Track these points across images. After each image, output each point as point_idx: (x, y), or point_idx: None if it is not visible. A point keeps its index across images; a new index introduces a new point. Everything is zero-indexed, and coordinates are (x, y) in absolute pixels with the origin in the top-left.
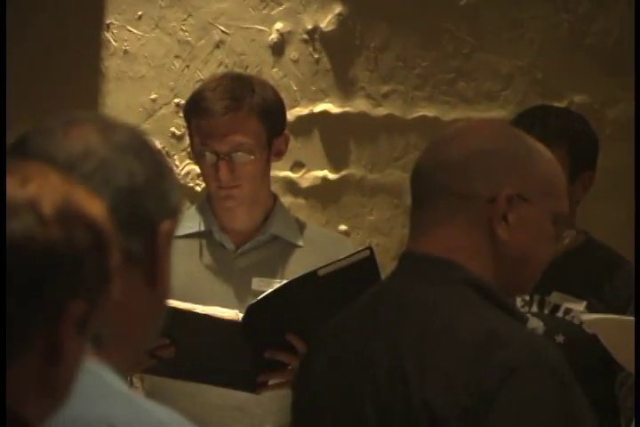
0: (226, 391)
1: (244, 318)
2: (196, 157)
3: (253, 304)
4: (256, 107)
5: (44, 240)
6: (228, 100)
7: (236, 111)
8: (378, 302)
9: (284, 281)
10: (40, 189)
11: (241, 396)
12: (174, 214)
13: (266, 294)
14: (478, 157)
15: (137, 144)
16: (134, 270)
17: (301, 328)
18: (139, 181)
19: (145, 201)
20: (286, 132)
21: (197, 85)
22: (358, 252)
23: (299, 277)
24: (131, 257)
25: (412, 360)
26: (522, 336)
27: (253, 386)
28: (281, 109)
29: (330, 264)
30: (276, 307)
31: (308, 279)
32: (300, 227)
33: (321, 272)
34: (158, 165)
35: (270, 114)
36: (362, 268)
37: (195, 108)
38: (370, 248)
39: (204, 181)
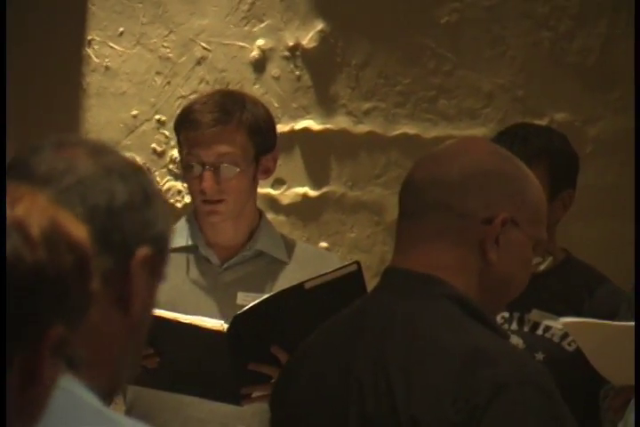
0: (208, 406)
1: (229, 329)
2: (184, 171)
3: (239, 315)
4: (245, 122)
5: (31, 261)
6: (218, 112)
7: (224, 124)
8: (362, 317)
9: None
10: (27, 210)
11: (223, 410)
12: (157, 243)
13: (252, 304)
14: (478, 177)
15: (125, 169)
16: (106, 292)
17: (287, 341)
18: (118, 202)
19: (122, 223)
20: (275, 151)
21: (179, 102)
22: (345, 266)
23: (285, 290)
24: (101, 276)
25: (398, 376)
26: (509, 353)
27: (237, 398)
28: (271, 128)
29: (316, 277)
30: (262, 318)
31: (295, 292)
32: (286, 243)
33: (307, 285)
34: (145, 192)
35: (260, 131)
36: (348, 282)
37: (184, 120)
38: (357, 263)
39: (190, 194)
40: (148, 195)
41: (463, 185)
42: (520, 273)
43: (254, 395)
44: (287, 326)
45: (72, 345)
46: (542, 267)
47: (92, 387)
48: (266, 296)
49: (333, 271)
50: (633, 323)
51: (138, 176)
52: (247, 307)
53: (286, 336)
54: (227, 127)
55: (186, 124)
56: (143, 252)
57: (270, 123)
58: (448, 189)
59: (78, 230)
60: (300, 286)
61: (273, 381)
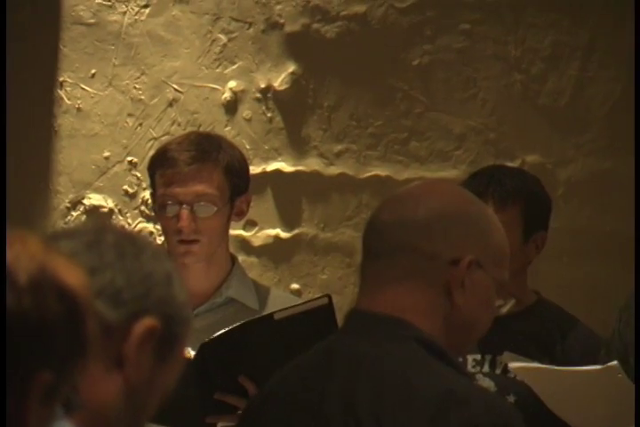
0: None
1: (195, 356)
2: (158, 210)
3: (206, 342)
4: (222, 162)
5: (15, 308)
6: (195, 151)
7: (202, 162)
8: (330, 359)
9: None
10: (17, 256)
11: None
12: (161, 314)
13: (220, 332)
14: (443, 219)
15: (127, 247)
16: (106, 346)
17: (255, 372)
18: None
19: (132, 282)
20: (248, 193)
21: (151, 143)
22: (316, 298)
23: (254, 319)
24: (104, 329)
25: (369, 419)
26: (480, 395)
27: None
28: (246, 170)
29: (287, 309)
30: (230, 347)
31: (264, 322)
32: (258, 289)
33: (277, 316)
34: (140, 270)
35: (235, 172)
36: (319, 315)
37: (160, 159)
38: (328, 296)
39: (164, 235)
40: (144, 273)
41: (429, 227)
42: (484, 315)
43: (219, 425)
44: (255, 356)
45: (68, 392)
46: (504, 310)
47: None
48: (235, 325)
49: (304, 303)
50: (583, 368)
51: (138, 255)
52: (215, 335)
53: (254, 367)
54: (204, 166)
55: (162, 162)
56: (147, 322)
57: (245, 165)
58: (414, 230)
59: (72, 276)
60: (270, 316)
61: (239, 413)
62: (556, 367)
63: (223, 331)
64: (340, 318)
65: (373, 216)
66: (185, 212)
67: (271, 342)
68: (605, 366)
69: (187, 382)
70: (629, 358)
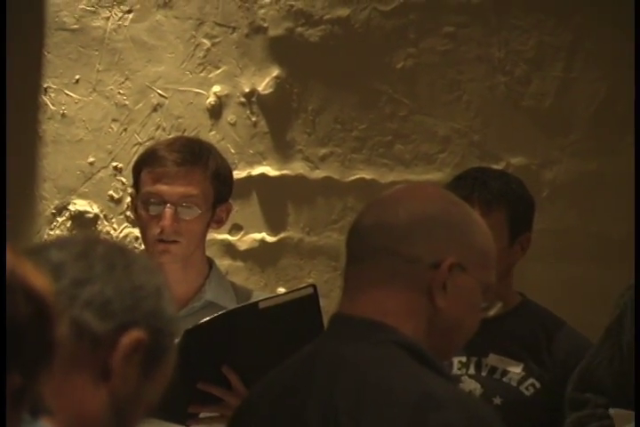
0: None
1: (179, 344)
2: (141, 207)
3: (190, 329)
4: (211, 167)
5: None
6: (185, 153)
7: (192, 164)
8: (312, 362)
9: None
10: None
11: None
12: (151, 327)
13: (204, 320)
14: (424, 222)
15: (117, 258)
16: (93, 358)
17: (238, 362)
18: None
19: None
20: (230, 202)
21: (135, 148)
22: (301, 288)
23: (239, 307)
24: (90, 341)
25: (348, 423)
26: (458, 398)
27: (183, 418)
28: (230, 179)
29: (272, 297)
30: (214, 335)
31: (249, 310)
32: (239, 292)
33: (262, 305)
34: (131, 282)
35: (221, 179)
36: (303, 305)
37: (150, 158)
38: (313, 286)
39: (142, 233)
40: (135, 285)
41: (409, 230)
42: (469, 318)
43: (202, 415)
44: (239, 346)
45: (36, 396)
46: (492, 312)
47: None
48: (219, 313)
49: (289, 293)
50: None
51: (128, 266)
52: (199, 322)
53: (238, 356)
54: (194, 168)
55: (152, 160)
56: (135, 334)
57: (230, 174)
58: (394, 234)
59: (39, 280)
60: (255, 304)
61: (222, 403)
62: None
63: (207, 318)
64: (325, 321)
65: (356, 221)
66: (169, 211)
67: (255, 331)
68: None
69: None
70: (623, 344)
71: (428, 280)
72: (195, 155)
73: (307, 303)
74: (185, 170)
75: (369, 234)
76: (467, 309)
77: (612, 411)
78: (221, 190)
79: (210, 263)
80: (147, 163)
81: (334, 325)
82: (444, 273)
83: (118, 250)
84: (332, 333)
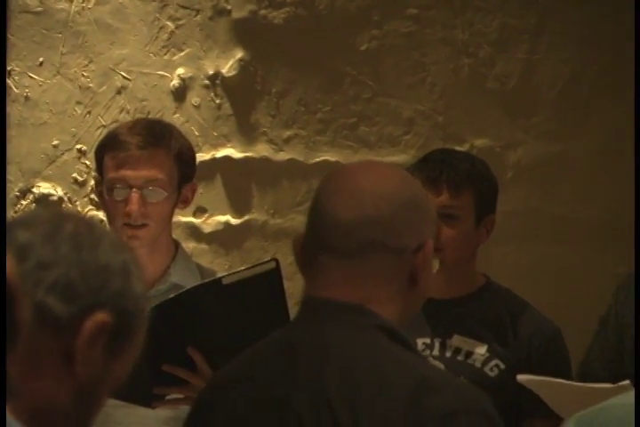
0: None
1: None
2: (107, 193)
3: (153, 308)
4: (173, 149)
5: None
6: (147, 135)
7: (154, 147)
8: (293, 347)
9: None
10: None
11: None
12: (116, 309)
13: (168, 297)
14: (402, 211)
15: (84, 237)
16: (57, 342)
17: (203, 341)
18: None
19: (87, 276)
20: (195, 181)
21: (99, 131)
22: (264, 263)
23: (203, 284)
24: (54, 325)
25: (343, 409)
26: (452, 382)
27: (149, 400)
28: (193, 159)
29: (234, 273)
30: (178, 314)
31: (213, 286)
32: (203, 274)
33: (225, 280)
34: (97, 261)
35: (185, 160)
36: (267, 279)
37: (111, 142)
38: (275, 260)
39: (108, 219)
40: (100, 263)
41: (393, 221)
42: (430, 282)
43: (168, 397)
44: (204, 323)
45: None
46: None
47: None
48: (182, 290)
49: (252, 268)
50: (596, 385)
51: (96, 244)
52: (163, 300)
53: (203, 335)
54: (156, 151)
55: (113, 145)
56: (98, 317)
57: (193, 153)
58: (380, 228)
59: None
60: (219, 280)
61: (188, 385)
62: (568, 382)
63: (171, 296)
64: (291, 304)
65: (333, 213)
66: (135, 195)
67: (220, 307)
68: (618, 385)
69: None
70: (624, 339)
71: (412, 265)
72: (156, 137)
73: (270, 278)
74: (148, 153)
75: (354, 229)
76: (429, 273)
77: (522, 377)
78: (185, 170)
79: (176, 245)
80: (109, 147)
81: (310, 307)
82: (428, 255)
83: (86, 227)
84: (309, 316)
